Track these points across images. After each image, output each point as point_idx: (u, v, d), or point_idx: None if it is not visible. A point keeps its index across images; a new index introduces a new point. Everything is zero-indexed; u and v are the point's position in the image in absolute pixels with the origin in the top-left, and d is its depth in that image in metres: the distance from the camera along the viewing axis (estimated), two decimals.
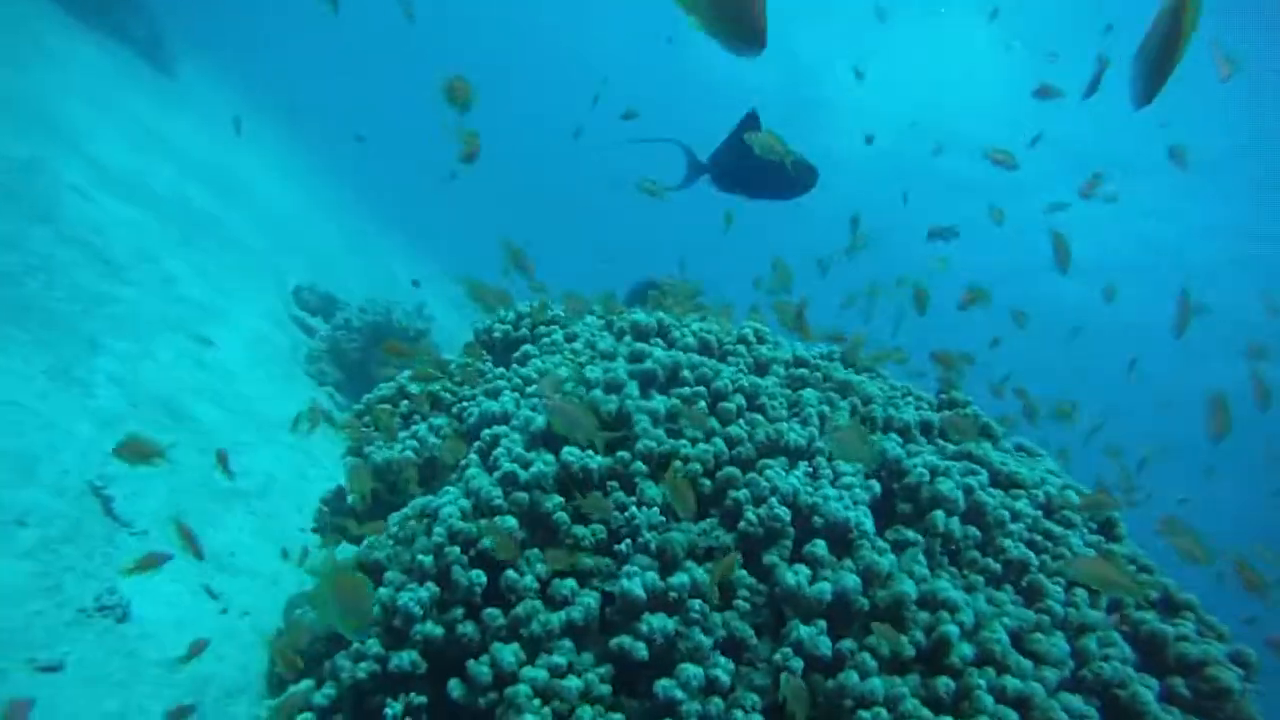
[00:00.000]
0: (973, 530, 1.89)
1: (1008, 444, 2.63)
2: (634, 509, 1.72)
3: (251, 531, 3.46)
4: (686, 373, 2.18)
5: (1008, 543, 1.88)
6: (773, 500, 1.73)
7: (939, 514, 1.85)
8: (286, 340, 5.69)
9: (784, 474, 1.82)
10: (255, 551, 3.33)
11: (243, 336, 5.16)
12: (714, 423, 1.98)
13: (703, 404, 2.04)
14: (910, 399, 2.54)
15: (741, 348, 2.48)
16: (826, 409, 2.10)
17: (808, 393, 2.22)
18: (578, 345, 2.49)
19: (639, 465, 1.83)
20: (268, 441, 4.33)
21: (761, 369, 2.41)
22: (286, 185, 10.95)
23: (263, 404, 4.65)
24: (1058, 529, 2.03)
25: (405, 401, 2.68)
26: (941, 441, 2.35)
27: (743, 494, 1.75)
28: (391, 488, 2.46)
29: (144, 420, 3.61)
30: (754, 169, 2.40)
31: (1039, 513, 2.05)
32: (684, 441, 1.87)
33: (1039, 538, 1.99)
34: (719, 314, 2.96)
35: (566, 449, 1.83)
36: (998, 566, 1.83)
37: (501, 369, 2.52)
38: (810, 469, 1.89)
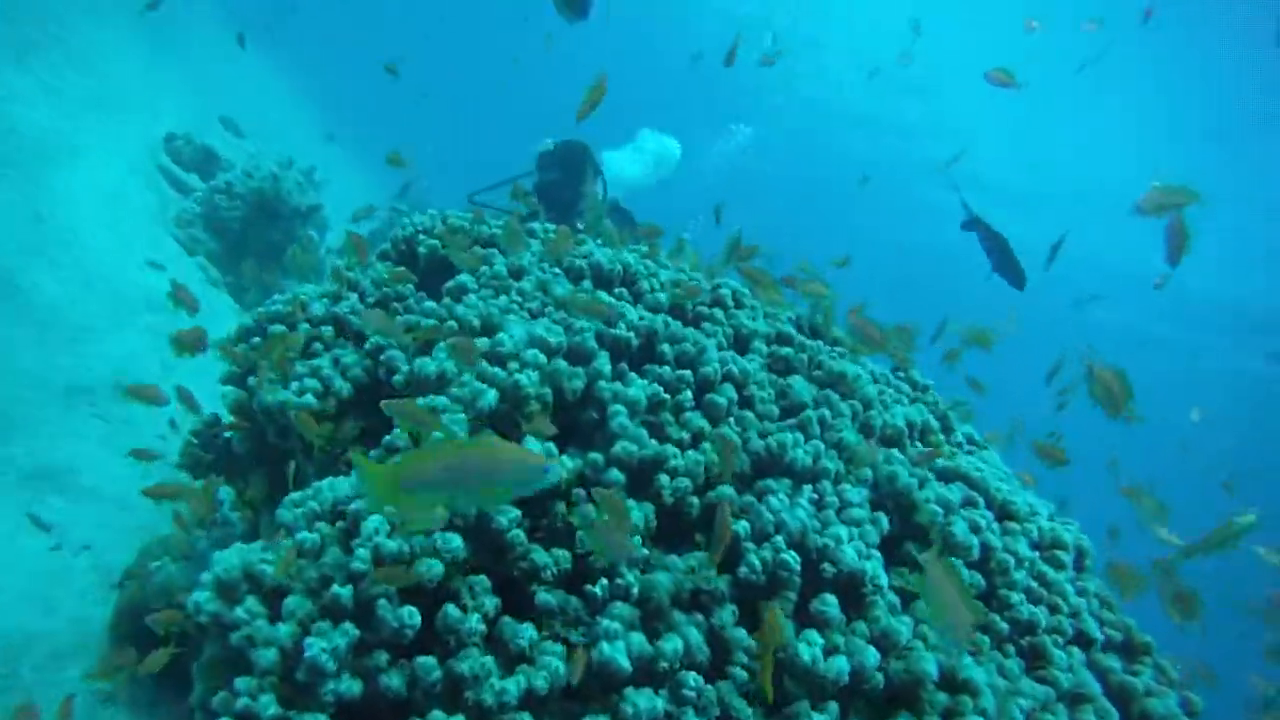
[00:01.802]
0: (978, 578, 1.67)
1: (959, 435, 2.44)
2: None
3: (97, 440, 2.90)
4: (665, 347, 1.81)
5: (1014, 597, 1.67)
6: (778, 540, 1.42)
7: (953, 563, 1.60)
8: (152, 197, 4.88)
9: (788, 504, 1.51)
10: (101, 467, 2.79)
11: (96, 187, 4.34)
12: (700, 420, 1.64)
13: (687, 393, 1.69)
14: (890, 390, 2.27)
15: (718, 312, 2.12)
16: (827, 413, 1.79)
17: (798, 383, 1.90)
18: (526, 285, 2.06)
19: (615, 474, 1.47)
20: (121, 324, 3.68)
21: (742, 344, 2.06)
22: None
23: (118, 275, 3.95)
24: (1051, 572, 1.85)
25: (305, 325, 2.19)
26: (920, 445, 2.11)
27: (742, 527, 1.43)
28: (282, 432, 2.01)
29: None
30: (998, 251, 2.78)
31: (1035, 554, 1.85)
32: (670, 447, 1.52)
33: (1035, 584, 1.79)
34: (688, 258, 2.58)
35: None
36: (1004, 626, 1.62)
37: (431, 304, 2.06)
38: (815, 495, 1.58)
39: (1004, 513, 1.92)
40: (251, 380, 2.06)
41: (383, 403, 1.37)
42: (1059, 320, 13.25)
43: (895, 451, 1.84)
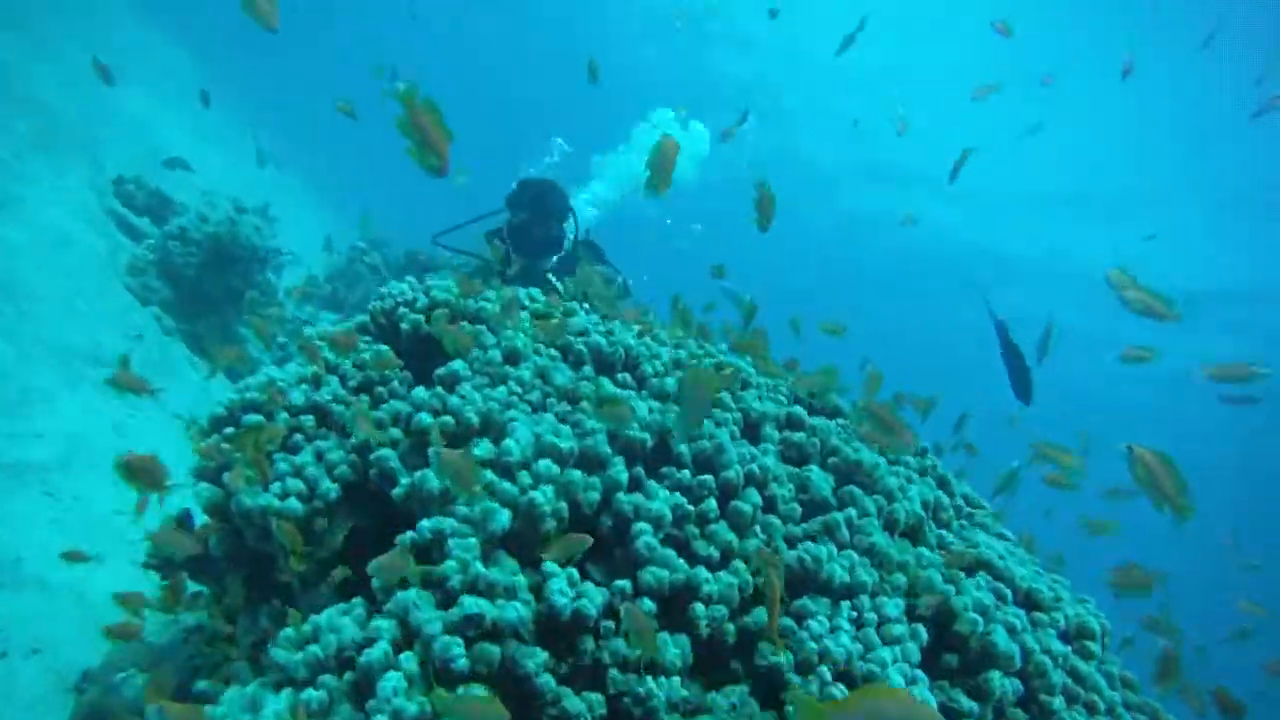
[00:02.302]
0: (1017, 684, 1.59)
1: (959, 498, 2.38)
2: (649, 681, 1.25)
3: (47, 523, 2.69)
4: (682, 447, 1.70)
5: (1056, 702, 1.60)
6: (823, 671, 1.32)
7: (995, 675, 1.52)
8: (103, 243, 4.63)
9: (828, 626, 1.41)
10: (52, 552, 2.58)
11: (41, 235, 4.10)
12: (728, 534, 1.53)
13: (711, 502, 1.58)
14: (899, 467, 2.20)
15: (725, 395, 2.02)
16: (854, 513, 1.70)
17: (816, 476, 1.81)
18: (525, 373, 1.93)
19: (646, 603, 1.35)
20: (72, 383, 3.45)
21: (753, 430, 1.97)
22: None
23: (67, 329, 3.71)
24: (1084, 666, 1.78)
25: (284, 414, 2.03)
26: (937, 529, 2.03)
27: (786, 658, 1.32)
28: (263, 534, 1.85)
29: None
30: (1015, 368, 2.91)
31: (1067, 649, 1.78)
32: (702, 570, 1.41)
33: (1070, 681, 1.72)
34: (688, 328, 2.48)
35: (552, 581, 1.32)
36: None
37: (423, 392, 1.92)
38: (854, 612, 1.49)
39: (1030, 602, 1.86)
40: (227, 476, 1.90)
41: (370, 566, 1.27)
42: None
43: (925, 551, 1.76)
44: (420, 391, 1.91)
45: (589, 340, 2.03)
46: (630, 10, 15.63)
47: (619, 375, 1.99)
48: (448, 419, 1.78)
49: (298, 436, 1.99)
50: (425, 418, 1.80)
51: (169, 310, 4.73)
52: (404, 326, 2.24)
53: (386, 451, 1.77)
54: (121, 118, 6.48)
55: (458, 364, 1.96)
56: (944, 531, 2.04)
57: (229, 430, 2.02)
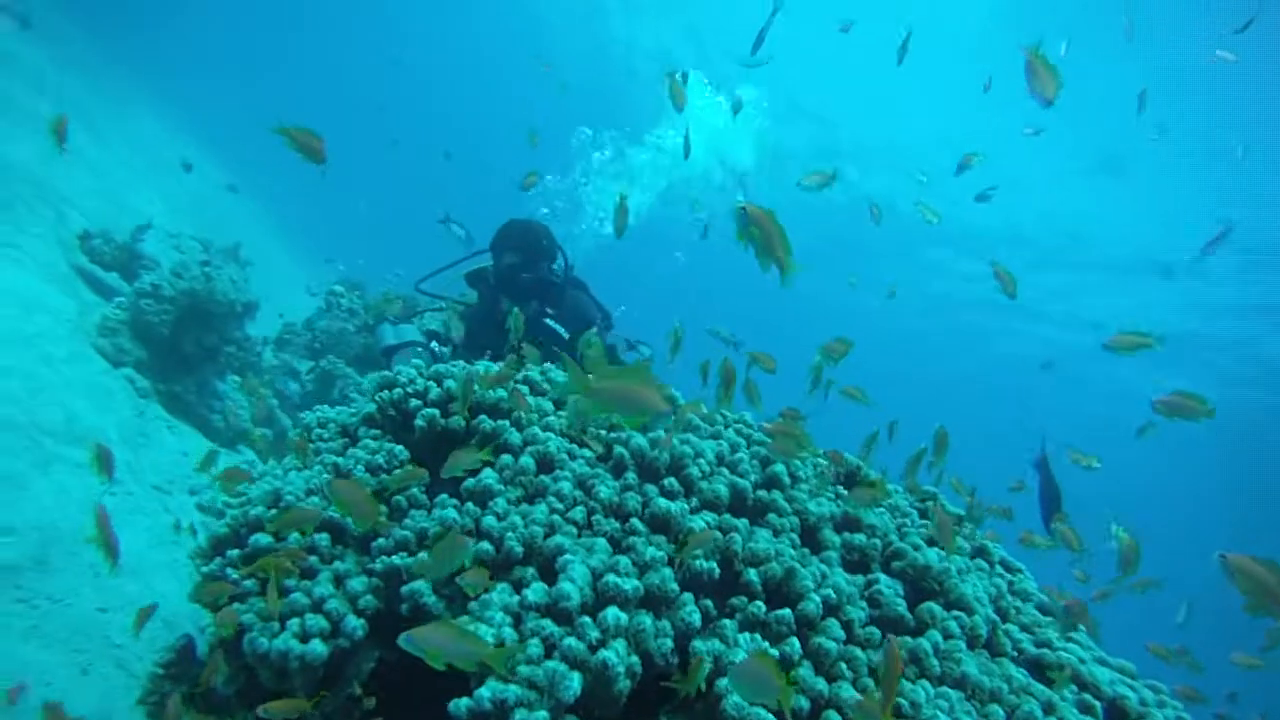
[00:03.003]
0: None
1: (999, 564, 2.27)
2: None
3: (20, 635, 2.46)
4: (751, 574, 1.55)
5: None
6: None
7: None
8: (71, 304, 4.38)
9: None
10: (34, 668, 2.35)
11: (7, 303, 3.85)
12: (818, 681, 1.38)
13: (794, 642, 1.43)
14: (958, 558, 2.07)
15: (778, 496, 1.88)
16: (939, 638, 1.57)
17: (886, 589, 1.67)
18: (564, 486, 1.77)
19: None
20: (43, 466, 3.21)
21: (810, 536, 1.83)
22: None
23: (36, 404, 3.47)
24: None
25: (295, 533, 1.84)
26: (1003, 623, 1.90)
27: None
28: (280, 674, 1.67)
29: None
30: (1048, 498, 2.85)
31: None
32: None
33: None
34: (727, 415, 2.33)
35: None
36: None
37: (453, 511, 1.75)
38: None
39: (1117, 711, 1.73)
40: (238, 607, 1.71)
41: None
42: None
43: (1012, 670, 1.62)
44: (449, 510, 1.74)
45: (631, 445, 1.88)
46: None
47: (665, 481, 1.84)
48: (486, 546, 1.62)
49: (312, 558, 1.80)
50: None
51: (143, 371, 4.49)
52: (419, 423, 2.06)
53: (421, 585, 1.60)
54: (80, 162, 6.20)
55: (488, 476, 1.79)
56: (1012, 627, 1.92)
57: (232, 553, 1.83)
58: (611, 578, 1.46)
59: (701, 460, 1.91)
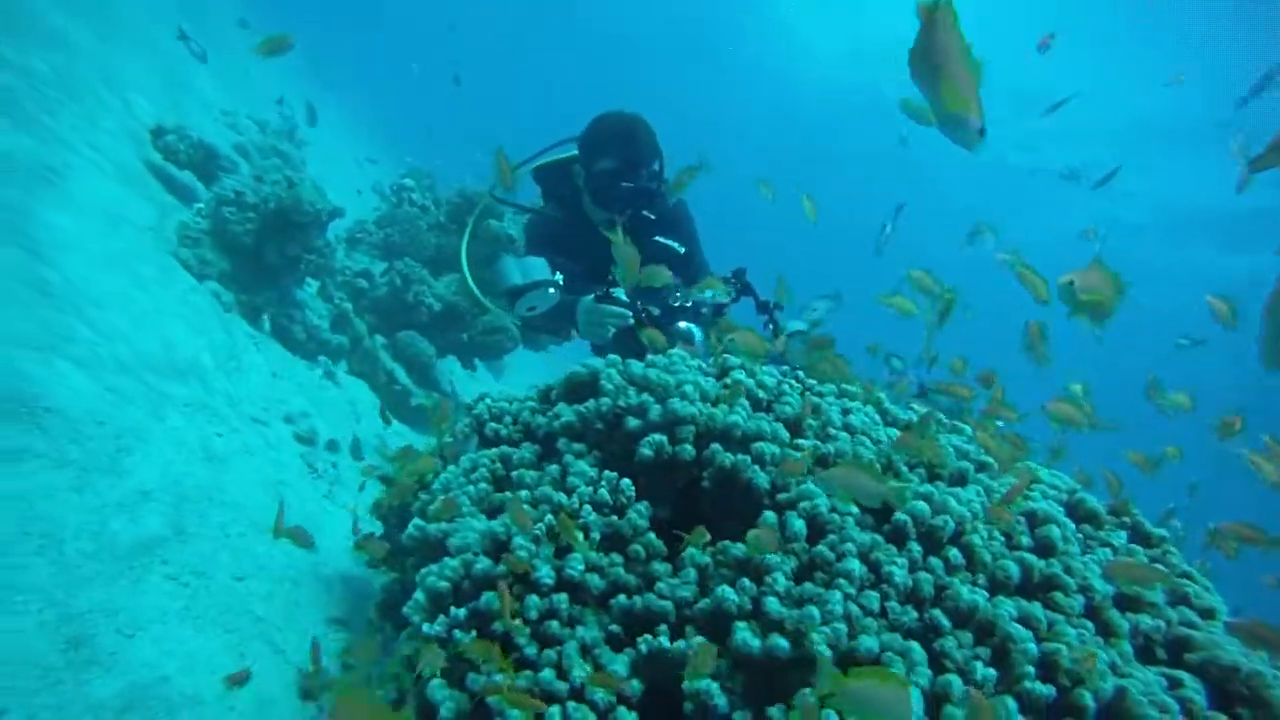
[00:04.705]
0: None
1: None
2: None
3: (178, 616, 2.33)
4: (1087, 699, 1.37)
5: None
6: None
7: None
8: (149, 210, 4.06)
9: None
10: (199, 660, 2.24)
11: (90, 215, 3.54)
12: None
13: None
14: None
15: (1056, 567, 1.68)
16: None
17: (1198, 699, 1.50)
18: (853, 565, 1.56)
19: None
20: (157, 409, 3.02)
21: (1096, 616, 1.64)
22: None
23: (138, 337, 3.24)
24: None
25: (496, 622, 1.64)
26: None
27: None
28: None
29: None
30: None
31: None
32: None
33: None
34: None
35: None
36: None
37: (728, 588, 1.55)
38: None
39: None
40: (473, 678, 1.55)
41: None
42: None
43: None
44: (728, 590, 1.54)
45: (912, 508, 1.66)
46: None
47: (948, 553, 1.64)
48: (781, 643, 1.43)
49: (551, 623, 1.63)
50: (748, 639, 1.45)
51: (226, 283, 4.24)
52: (645, 452, 1.84)
53: (708, 684, 1.43)
54: (138, 36, 5.68)
55: (773, 557, 1.58)
56: None
57: (459, 613, 1.65)
58: (951, 710, 1.29)
59: (979, 523, 1.71)
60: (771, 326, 3.13)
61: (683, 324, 2.84)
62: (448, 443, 2.20)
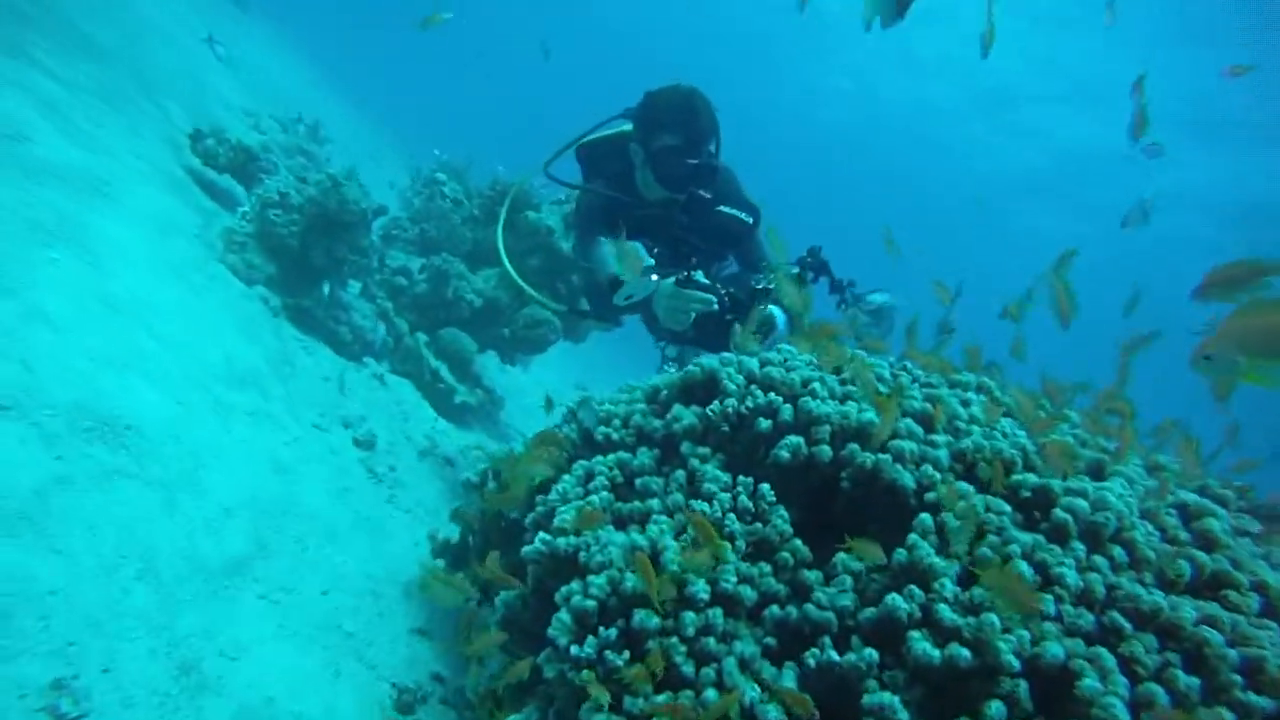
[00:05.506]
0: None
1: None
2: None
3: (274, 635, 2.28)
4: None
5: None
6: None
7: None
8: (194, 216, 3.99)
9: None
10: (300, 678, 2.19)
11: (143, 225, 3.46)
12: None
13: None
14: None
15: (1223, 561, 1.61)
16: None
17: None
18: (1021, 565, 1.49)
19: None
20: (225, 419, 2.96)
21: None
22: None
23: (200, 347, 3.18)
24: None
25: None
26: None
27: None
28: None
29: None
30: None
31: None
32: None
33: None
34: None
35: None
36: None
37: (872, 579, 1.48)
38: None
39: None
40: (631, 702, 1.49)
41: None
42: None
43: None
44: (897, 598, 1.48)
45: (1071, 504, 1.59)
46: None
47: (1113, 551, 1.57)
48: (962, 653, 1.37)
49: (708, 640, 1.57)
50: (928, 649, 1.39)
51: (273, 287, 4.17)
52: (782, 455, 1.78)
53: (890, 698, 1.36)
54: (166, 38, 5.58)
55: (939, 561, 1.52)
56: None
57: (609, 634, 1.59)
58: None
59: (1136, 518, 1.64)
60: (843, 306, 3.07)
61: (767, 309, 2.73)
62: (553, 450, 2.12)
